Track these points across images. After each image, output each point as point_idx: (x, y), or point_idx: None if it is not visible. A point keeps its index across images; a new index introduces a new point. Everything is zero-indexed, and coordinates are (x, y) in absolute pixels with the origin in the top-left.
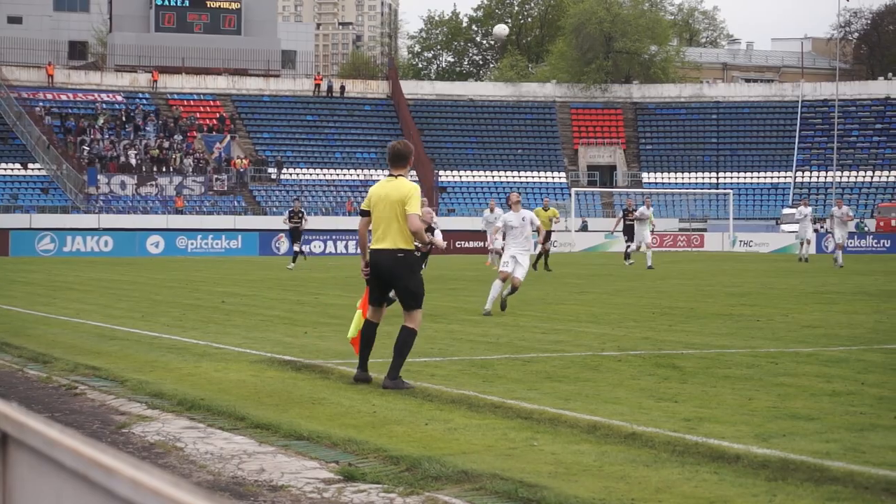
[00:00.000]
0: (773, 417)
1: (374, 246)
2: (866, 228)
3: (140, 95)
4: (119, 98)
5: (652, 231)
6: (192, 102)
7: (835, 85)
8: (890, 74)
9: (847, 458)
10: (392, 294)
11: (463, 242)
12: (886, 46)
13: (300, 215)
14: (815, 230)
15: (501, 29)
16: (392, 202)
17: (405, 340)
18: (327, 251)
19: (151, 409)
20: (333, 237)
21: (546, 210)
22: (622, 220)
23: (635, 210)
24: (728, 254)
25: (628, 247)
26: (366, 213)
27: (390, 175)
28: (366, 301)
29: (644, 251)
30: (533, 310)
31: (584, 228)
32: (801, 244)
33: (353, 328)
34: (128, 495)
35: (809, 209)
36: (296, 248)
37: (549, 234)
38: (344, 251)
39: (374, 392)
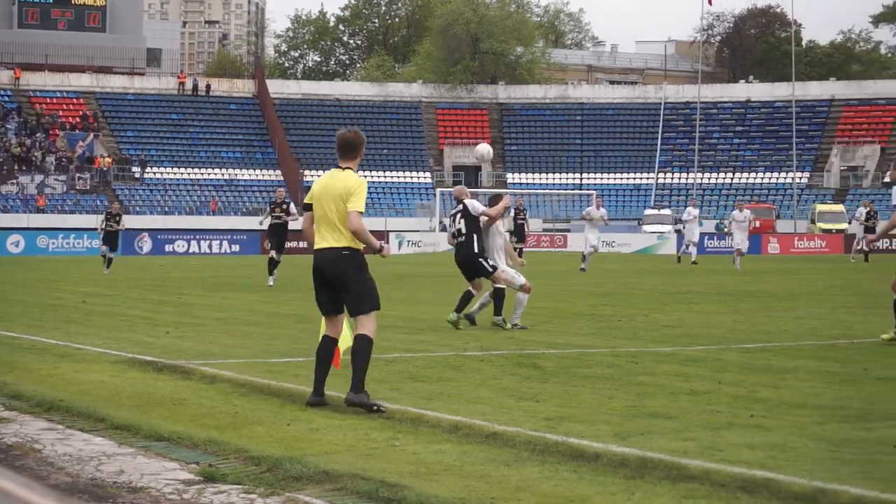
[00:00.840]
0: (631, 416)
1: (316, 245)
2: (726, 230)
3: (1, 93)
4: None
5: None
6: (55, 100)
7: (697, 87)
8: (751, 77)
9: (704, 456)
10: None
11: None
12: (748, 50)
13: (117, 219)
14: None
15: (484, 149)
16: (334, 196)
17: (359, 351)
18: (191, 251)
19: (9, 410)
20: (197, 237)
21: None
22: (514, 220)
23: (525, 210)
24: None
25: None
26: (308, 208)
27: (337, 167)
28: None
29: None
30: (398, 310)
31: (445, 229)
32: (688, 246)
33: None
34: None
35: (697, 210)
36: (110, 255)
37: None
38: (208, 251)
39: (235, 392)
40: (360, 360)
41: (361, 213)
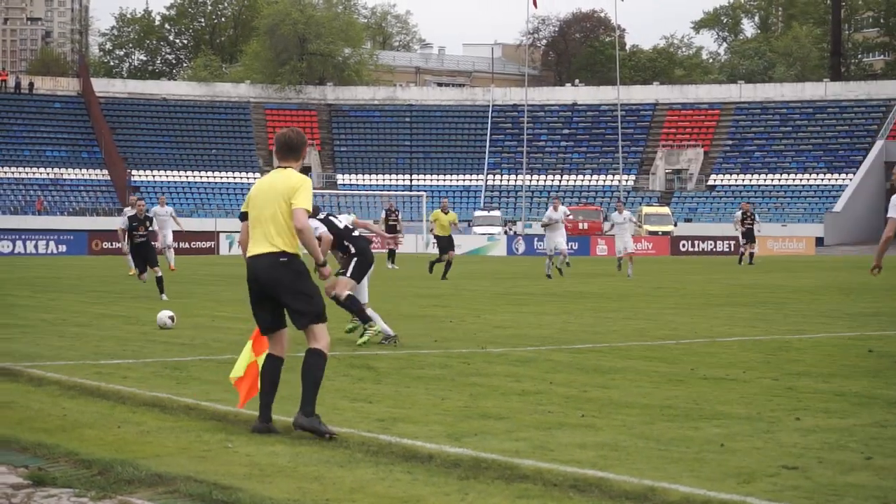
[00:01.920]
0: (464, 417)
1: (249, 252)
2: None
3: None
4: None
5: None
6: None
7: (524, 90)
8: (577, 81)
9: (536, 455)
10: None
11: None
12: (573, 54)
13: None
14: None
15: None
16: (277, 194)
17: (311, 367)
18: (16, 251)
19: None
20: (23, 237)
21: (446, 213)
22: (386, 221)
23: (397, 211)
24: (423, 255)
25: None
26: (245, 217)
27: (278, 167)
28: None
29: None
30: (227, 310)
31: None
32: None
33: (239, 365)
34: None
35: (628, 213)
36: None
37: (451, 239)
38: (34, 251)
39: (64, 395)
40: (311, 378)
41: (308, 211)
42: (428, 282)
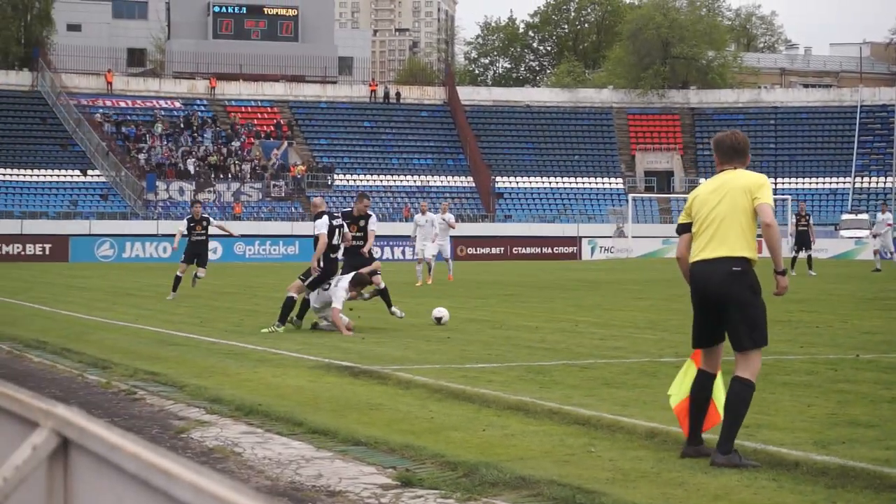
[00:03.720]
0: (832, 424)
1: (693, 258)
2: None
3: (198, 102)
4: (177, 105)
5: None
6: (249, 109)
7: (894, 90)
8: None
9: None
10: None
11: (520, 248)
12: None
13: (203, 225)
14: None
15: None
16: (737, 190)
17: (738, 398)
18: (384, 257)
19: (210, 414)
20: (391, 243)
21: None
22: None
23: (808, 216)
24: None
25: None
26: (686, 229)
27: (722, 170)
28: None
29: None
30: (590, 315)
31: (620, 234)
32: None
33: (679, 388)
34: (188, 500)
35: (889, 215)
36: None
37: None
38: (401, 257)
39: (431, 398)
40: (736, 411)
41: (773, 208)
42: (794, 284)
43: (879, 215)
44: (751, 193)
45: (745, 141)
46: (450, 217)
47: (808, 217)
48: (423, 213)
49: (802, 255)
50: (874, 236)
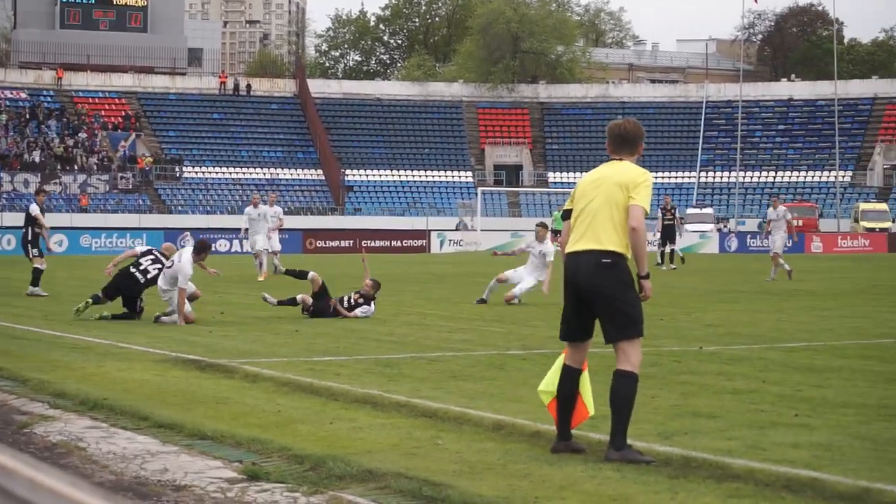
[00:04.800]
0: (675, 415)
1: (567, 248)
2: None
3: (44, 93)
4: (23, 95)
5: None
6: (97, 100)
7: (738, 86)
8: (793, 76)
9: (748, 455)
10: None
11: (369, 241)
12: (789, 48)
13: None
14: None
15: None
16: (613, 184)
17: (621, 391)
18: (233, 250)
19: (54, 408)
20: (239, 235)
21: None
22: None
23: (674, 209)
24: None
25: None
26: (568, 216)
27: (611, 160)
28: None
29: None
30: (438, 308)
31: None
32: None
33: (548, 382)
34: (25, 496)
35: (783, 208)
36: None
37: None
38: (251, 250)
39: (278, 391)
40: (622, 404)
41: (647, 212)
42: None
43: (772, 211)
44: (627, 191)
45: (634, 130)
46: (277, 210)
47: (673, 210)
48: (256, 206)
49: (668, 248)
50: (767, 235)
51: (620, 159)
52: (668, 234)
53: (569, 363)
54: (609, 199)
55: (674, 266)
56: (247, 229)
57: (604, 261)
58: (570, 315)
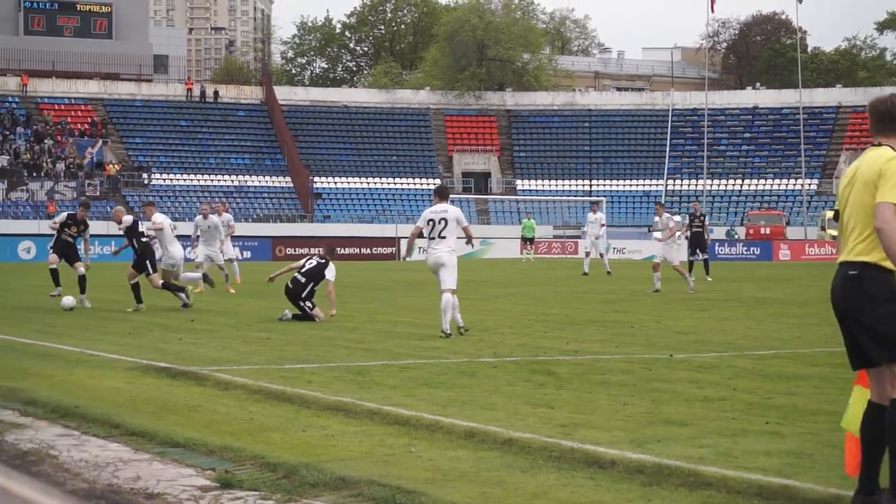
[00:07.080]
0: (647, 423)
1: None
2: (736, 236)
3: (10, 99)
4: None
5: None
6: (63, 107)
7: (704, 94)
8: (758, 84)
9: (720, 462)
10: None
11: (339, 249)
12: (754, 56)
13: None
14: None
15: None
16: (859, 186)
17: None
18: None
19: (24, 416)
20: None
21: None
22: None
23: (703, 217)
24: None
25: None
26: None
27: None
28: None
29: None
30: (409, 316)
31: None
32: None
33: (853, 415)
34: None
35: (601, 214)
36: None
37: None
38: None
39: (250, 399)
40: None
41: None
42: (609, 286)
43: (591, 215)
44: (874, 188)
45: None
46: (227, 217)
47: (702, 218)
48: (206, 216)
49: (698, 258)
50: (596, 238)
51: (880, 144)
52: (698, 243)
53: (874, 399)
54: (857, 204)
55: (709, 278)
56: (198, 237)
57: (850, 273)
58: (844, 340)
